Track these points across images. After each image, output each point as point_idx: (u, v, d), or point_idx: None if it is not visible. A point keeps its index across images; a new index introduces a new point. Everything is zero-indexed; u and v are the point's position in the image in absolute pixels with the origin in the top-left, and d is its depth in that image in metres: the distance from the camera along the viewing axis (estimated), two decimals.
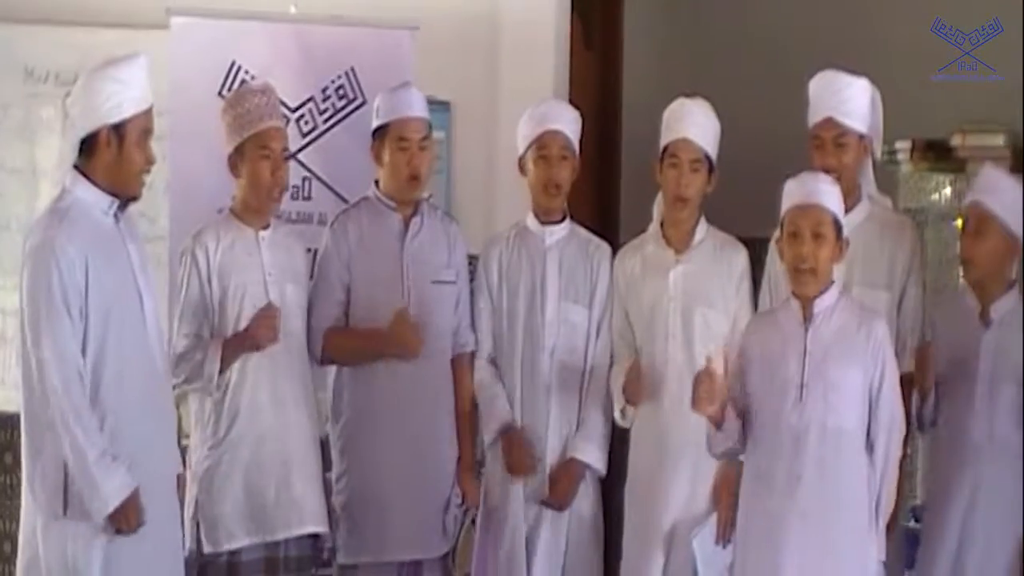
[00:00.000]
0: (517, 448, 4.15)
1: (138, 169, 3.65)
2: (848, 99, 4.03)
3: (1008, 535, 3.87)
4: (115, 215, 3.65)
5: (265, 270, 4.05)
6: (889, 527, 3.81)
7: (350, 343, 4.15)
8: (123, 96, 3.61)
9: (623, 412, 4.15)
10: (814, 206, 3.70)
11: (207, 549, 3.99)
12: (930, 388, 3.89)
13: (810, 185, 3.74)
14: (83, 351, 3.53)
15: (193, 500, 4.01)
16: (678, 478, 4.08)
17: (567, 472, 4.18)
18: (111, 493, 3.52)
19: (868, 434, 3.73)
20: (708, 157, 4.12)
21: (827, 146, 4.02)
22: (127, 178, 3.64)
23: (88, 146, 3.61)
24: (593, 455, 4.19)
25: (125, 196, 3.66)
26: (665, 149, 4.13)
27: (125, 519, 3.54)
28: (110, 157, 3.61)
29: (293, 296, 4.09)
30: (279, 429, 4.02)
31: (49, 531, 3.53)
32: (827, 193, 3.73)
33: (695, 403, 3.71)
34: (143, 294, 3.66)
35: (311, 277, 4.22)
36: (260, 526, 4.00)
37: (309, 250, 4.26)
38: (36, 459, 3.54)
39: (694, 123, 4.11)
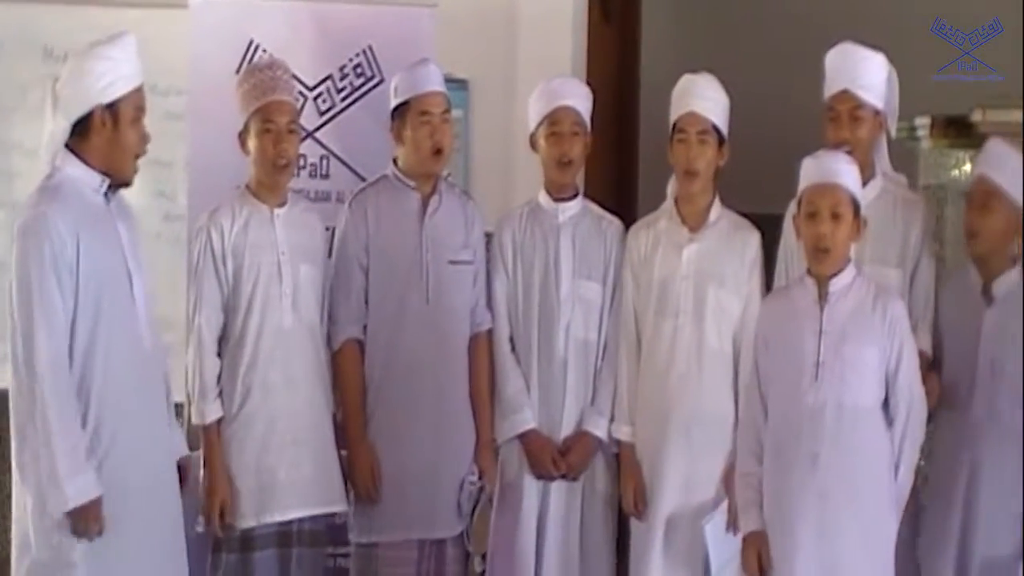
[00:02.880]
0: (542, 450, 4.17)
1: (133, 150, 3.60)
2: (865, 73, 4.02)
3: (1011, 515, 3.84)
4: (105, 194, 3.60)
5: (279, 249, 4.06)
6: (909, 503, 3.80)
7: (345, 390, 4.12)
8: (115, 74, 3.57)
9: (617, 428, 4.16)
10: (832, 185, 3.68)
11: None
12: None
13: (828, 164, 3.71)
14: (73, 331, 3.48)
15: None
16: (682, 456, 4.07)
17: (579, 444, 4.19)
18: (72, 493, 3.44)
19: (888, 412, 3.72)
20: (717, 129, 4.11)
21: (842, 119, 4.00)
22: (122, 160, 3.59)
23: (82, 128, 3.56)
24: (605, 429, 4.20)
25: (119, 180, 3.61)
26: (674, 126, 4.13)
27: (84, 523, 3.46)
28: (105, 138, 3.56)
29: (308, 276, 4.09)
30: (291, 408, 4.03)
31: (37, 511, 3.49)
32: (845, 172, 3.71)
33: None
34: (133, 275, 3.62)
35: (329, 256, 4.22)
36: (270, 506, 4.01)
37: (328, 228, 4.27)
38: (23, 437, 3.50)
39: (699, 96, 4.10)
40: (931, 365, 3.95)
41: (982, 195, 3.92)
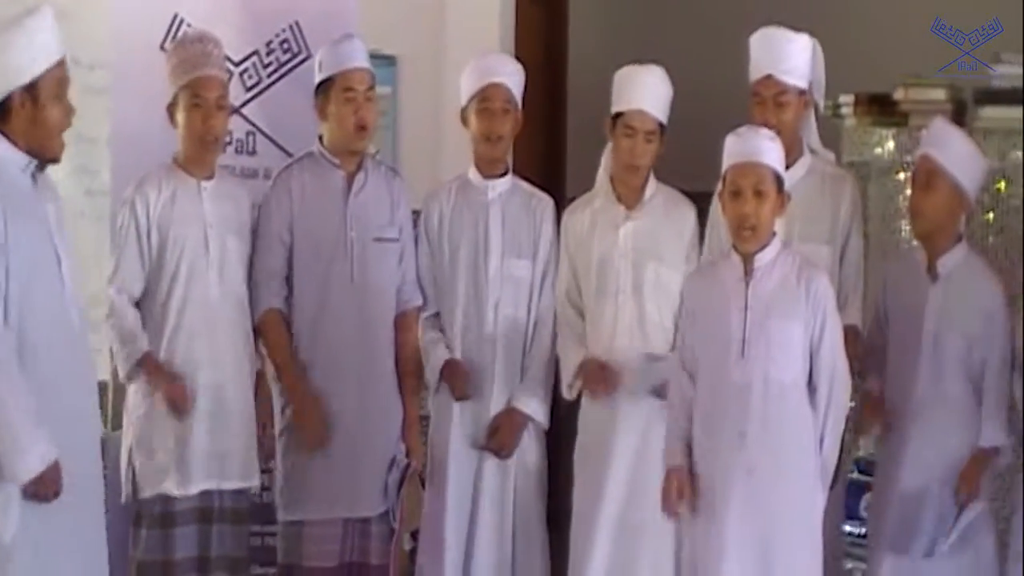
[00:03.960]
0: (458, 375, 4.17)
1: (57, 128, 3.52)
2: (788, 57, 4.04)
3: (951, 489, 3.88)
4: (32, 175, 3.53)
5: (206, 221, 4.04)
6: (834, 478, 3.83)
7: (272, 350, 4.12)
8: (31, 53, 3.47)
9: (570, 386, 4.17)
10: (754, 164, 3.70)
11: (141, 494, 4.00)
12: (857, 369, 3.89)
13: (750, 142, 3.73)
14: (5, 313, 3.41)
15: (128, 446, 4.02)
16: (629, 434, 4.10)
17: (508, 420, 4.21)
18: (35, 459, 3.42)
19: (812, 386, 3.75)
20: (661, 124, 4.13)
21: (767, 103, 4.03)
22: (45, 138, 3.51)
23: (2, 110, 3.48)
24: (534, 406, 4.22)
25: (45, 158, 3.54)
26: (619, 115, 4.12)
27: (44, 487, 3.44)
28: (26, 119, 3.47)
29: (234, 249, 4.09)
30: (215, 381, 4.02)
31: None
32: (767, 149, 3.72)
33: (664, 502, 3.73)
34: (60, 255, 3.56)
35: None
36: (189, 476, 4.01)
37: (254, 205, 4.24)
38: None
39: (649, 93, 4.11)
40: (857, 339, 3.99)
41: (925, 174, 3.98)
